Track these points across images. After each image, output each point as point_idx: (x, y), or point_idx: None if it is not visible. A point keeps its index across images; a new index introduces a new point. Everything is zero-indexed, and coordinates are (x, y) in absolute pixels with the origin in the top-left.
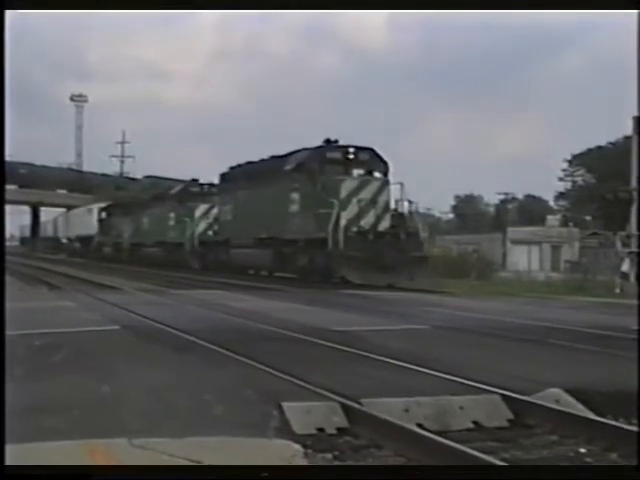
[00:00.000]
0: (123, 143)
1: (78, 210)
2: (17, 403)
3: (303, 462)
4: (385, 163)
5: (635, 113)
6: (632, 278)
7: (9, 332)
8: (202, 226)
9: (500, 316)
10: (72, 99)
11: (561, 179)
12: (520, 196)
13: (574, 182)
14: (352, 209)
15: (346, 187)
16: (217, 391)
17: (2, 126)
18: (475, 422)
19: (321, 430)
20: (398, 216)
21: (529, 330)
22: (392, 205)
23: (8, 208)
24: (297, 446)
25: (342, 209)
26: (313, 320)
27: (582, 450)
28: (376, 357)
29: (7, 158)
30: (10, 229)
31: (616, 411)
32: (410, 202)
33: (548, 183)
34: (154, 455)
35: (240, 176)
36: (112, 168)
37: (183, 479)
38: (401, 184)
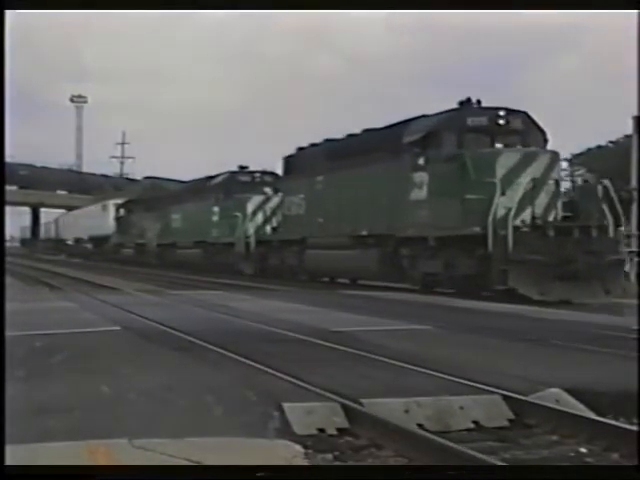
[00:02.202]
0: (123, 144)
1: (89, 208)
2: (17, 404)
3: (303, 462)
4: (543, 132)
5: (635, 113)
6: (632, 278)
7: (10, 333)
8: (258, 222)
9: None
10: (72, 100)
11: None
12: None
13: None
14: (514, 193)
15: (504, 163)
16: (217, 392)
17: (2, 127)
18: (475, 422)
19: (322, 430)
20: (570, 203)
21: None
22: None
23: (8, 209)
24: (297, 446)
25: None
26: (313, 320)
27: (582, 450)
28: (376, 357)
29: (7, 159)
30: (10, 230)
31: None
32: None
33: None
34: (154, 455)
35: (318, 158)
36: (112, 169)
37: (183, 479)
38: (568, 160)
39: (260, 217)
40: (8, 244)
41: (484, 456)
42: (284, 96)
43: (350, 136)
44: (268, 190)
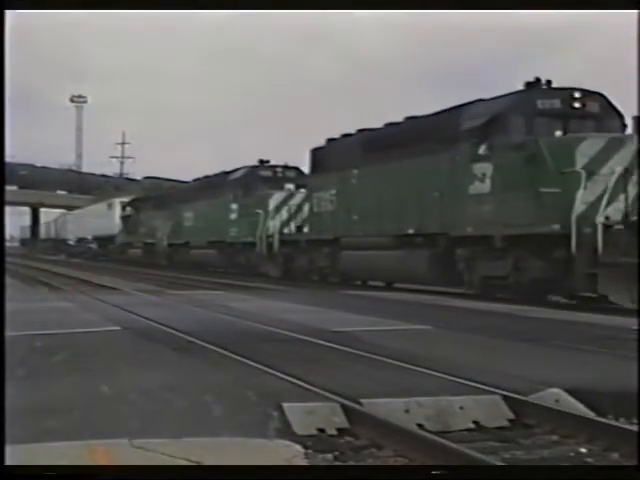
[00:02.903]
0: (123, 144)
1: (94, 206)
2: (17, 404)
3: (303, 462)
4: (621, 116)
5: (635, 112)
6: None
7: (10, 333)
8: (281, 220)
9: None
10: (72, 100)
11: None
12: None
13: None
14: (598, 186)
15: (586, 151)
16: (217, 392)
17: (2, 127)
18: (475, 422)
19: (322, 431)
20: None
21: None
22: None
23: (8, 209)
24: (298, 446)
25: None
26: (313, 320)
27: (582, 450)
28: (376, 357)
29: (7, 159)
30: (10, 230)
31: None
32: None
33: None
34: (154, 455)
35: (352, 150)
36: (112, 169)
37: (183, 479)
38: None
39: (283, 215)
40: (8, 244)
41: (484, 456)
42: (284, 96)
43: (389, 125)
44: (290, 186)
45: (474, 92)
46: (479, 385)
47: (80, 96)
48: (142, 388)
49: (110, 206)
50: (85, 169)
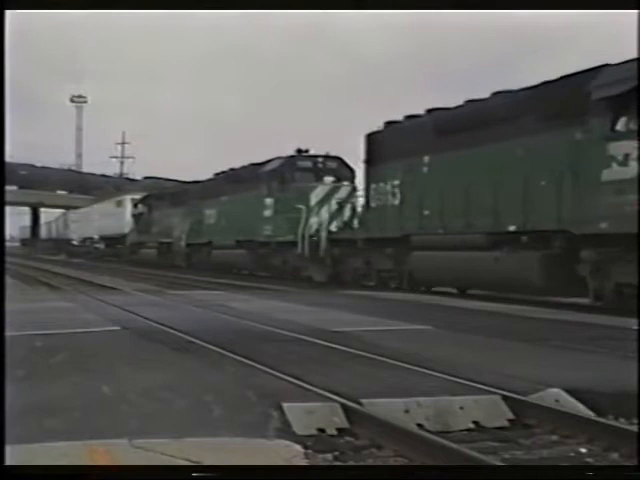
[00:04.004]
0: (123, 144)
1: (101, 204)
2: (18, 404)
3: (303, 462)
4: None
5: None
6: None
7: (10, 333)
8: (327, 217)
9: None
10: (72, 100)
11: None
12: None
13: None
14: None
15: None
16: (217, 392)
17: (2, 127)
18: (475, 422)
19: (322, 431)
20: None
21: None
22: None
23: (8, 209)
24: (297, 446)
25: None
26: (313, 320)
27: (582, 450)
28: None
29: (7, 159)
30: (10, 230)
31: None
32: None
33: None
34: (154, 456)
35: (422, 133)
36: (112, 169)
37: (183, 479)
38: None
39: (329, 211)
40: (8, 244)
41: (484, 456)
42: (284, 96)
43: (471, 102)
44: (330, 179)
45: (474, 92)
46: (479, 385)
47: (80, 96)
48: (142, 388)
49: (119, 203)
50: (85, 169)
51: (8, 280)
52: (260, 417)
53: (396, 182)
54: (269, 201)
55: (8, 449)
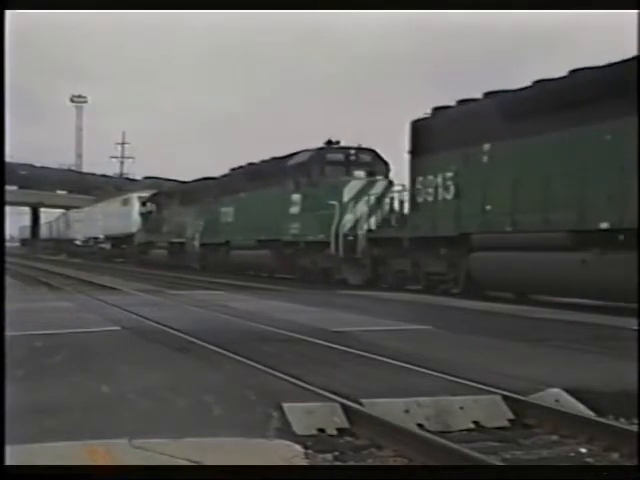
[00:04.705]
0: (123, 144)
1: (106, 203)
2: (18, 404)
3: (303, 462)
4: None
5: None
6: None
7: (10, 333)
8: (362, 214)
9: None
10: (72, 100)
11: None
12: None
13: None
14: None
15: None
16: (217, 392)
17: (2, 127)
18: (475, 422)
19: (322, 431)
20: None
21: None
22: None
23: (8, 209)
24: (297, 446)
25: None
26: (314, 320)
27: (582, 450)
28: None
29: (7, 159)
30: (10, 230)
31: None
32: None
33: None
34: (154, 456)
35: (485, 117)
36: (112, 169)
37: (183, 479)
38: None
39: (364, 207)
40: (8, 244)
41: (484, 456)
42: (284, 96)
43: (540, 82)
44: (361, 173)
45: (473, 92)
46: (479, 385)
47: (80, 96)
48: (142, 388)
49: (126, 202)
50: (85, 169)
51: (8, 280)
52: (260, 417)
53: (449, 174)
54: (296, 197)
55: (8, 449)
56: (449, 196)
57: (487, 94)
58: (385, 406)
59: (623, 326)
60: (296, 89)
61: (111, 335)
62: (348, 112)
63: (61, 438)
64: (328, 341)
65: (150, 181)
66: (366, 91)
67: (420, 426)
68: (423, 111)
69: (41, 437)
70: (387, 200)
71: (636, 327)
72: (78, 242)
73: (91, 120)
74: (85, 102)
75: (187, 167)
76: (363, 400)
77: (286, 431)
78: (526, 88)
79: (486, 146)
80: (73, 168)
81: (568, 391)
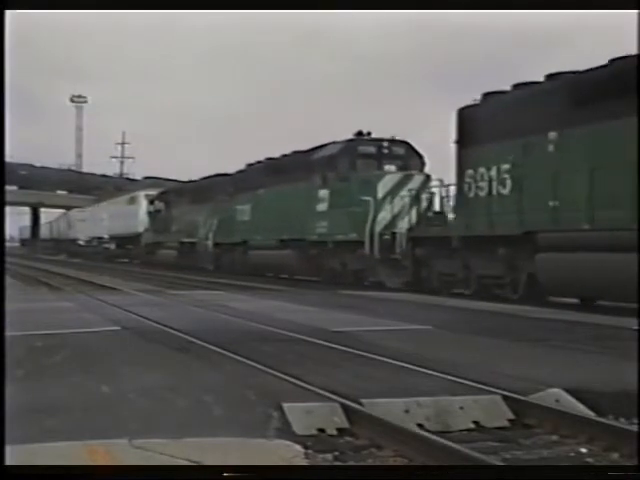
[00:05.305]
0: (123, 144)
1: (111, 202)
2: (18, 404)
3: (303, 462)
4: None
5: None
6: None
7: (11, 333)
8: (400, 211)
9: None
10: (72, 100)
11: None
12: None
13: None
14: None
15: None
16: (217, 392)
17: (2, 127)
18: (475, 422)
19: (322, 431)
20: None
21: None
22: None
23: (8, 209)
24: (298, 446)
25: None
26: (314, 320)
27: (582, 450)
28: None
29: (7, 159)
30: (10, 230)
31: None
32: None
33: None
34: (154, 456)
35: (551, 101)
36: (112, 169)
37: (183, 479)
38: None
39: (401, 204)
40: (8, 244)
41: (484, 456)
42: (283, 96)
43: (619, 60)
44: (390, 167)
45: (474, 92)
46: (479, 385)
47: (80, 96)
48: (142, 388)
49: (132, 200)
50: (85, 169)
51: (8, 280)
52: (260, 417)
53: (506, 166)
54: (323, 193)
55: (8, 449)
56: (505, 190)
57: (549, 76)
58: (385, 406)
59: (623, 326)
60: (296, 89)
61: (111, 335)
62: (348, 112)
63: (61, 438)
64: (328, 341)
65: (150, 181)
66: (366, 91)
67: (420, 426)
68: (423, 111)
69: (41, 437)
70: (426, 196)
71: (636, 327)
72: (81, 242)
73: (91, 120)
74: (85, 102)
75: (187, 167)
76: (363, 400)
77: (286, 431)
78: (600, 67)
79: (552, 134)
80: (73, 168)
81: (568, 391)
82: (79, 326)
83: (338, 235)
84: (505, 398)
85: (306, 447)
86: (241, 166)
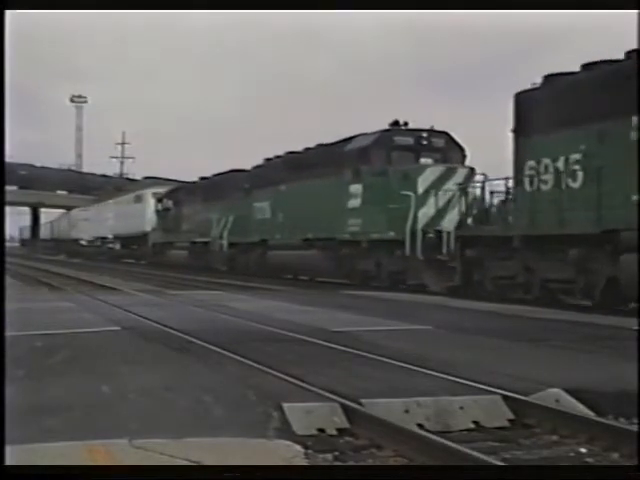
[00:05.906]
0: (123, 144)
1: (115, 200)
2: (18, 404)
3: (303, 462)
4: None
5: None
6: None
7: (11, 333)
8: (447, 205)
9: None
10: (72, 100)
11: None
12: None
13: None
14: None
15: None
16: (217, 392)
17: (2, 127)
18: (475, 422)
19: (322, 431)
20: None
21: None
22: None
23: (8, 209)
24: (298, 446)
25: None
26: (313, 320)
27: (582, 450)
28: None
29: (7, 159)
30: (10, 230)
31: None
32: None
33: None
34: (154, 456)
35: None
36: (112, 169)
37: (183, 479)
38: None
39: (445, 200)
40: (8, 244)
41: (484, 456)
42: (283, 96)
43: None
44: (429, 161)
45: (474, 92)
46: (479, 385)
47: (80, 96)
48: (142, 388)
49: (139, 199)
50: (85, 169)
51: (8, 280)
52: (260, 417)
53: (575, 156)
54: (356, 188)
55: (8, 449)
56: (576, 184)
57: (630, 52)
58: (385, 406)
59: (623, 326)
60: (296, 89)
61: (111, 335)
62: (348, 112)
63: (61, 438)
64: (328, 341)
65: (150, 181)
66: (366, 91)
67: (420, 426)
68: (423, 111)
69: (41, 437)
70: (473, 191)
71: (636, 327)
72: (83, 242)
73: (91, 120)
74: (85, 102)
75: (187, 167)
76: (363, 400)
77: (286, 431)
78: None
79: (635, 119)
80: (73, 168)
81: (568, 391)
82: (79, 326)
83: (373, 234)
84: (505, 398)
85: (306, 447)
86: (241, 166)
